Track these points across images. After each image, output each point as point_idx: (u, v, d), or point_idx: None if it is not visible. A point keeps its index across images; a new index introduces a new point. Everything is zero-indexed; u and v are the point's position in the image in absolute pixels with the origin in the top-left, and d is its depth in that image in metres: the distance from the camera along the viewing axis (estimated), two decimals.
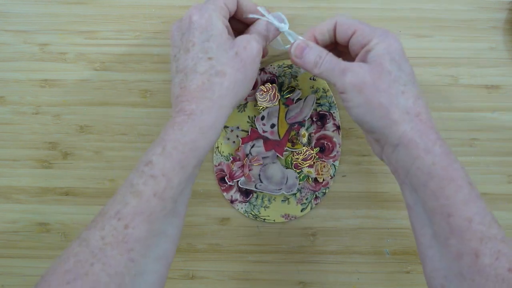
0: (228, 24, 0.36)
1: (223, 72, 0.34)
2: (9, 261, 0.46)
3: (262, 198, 0.45)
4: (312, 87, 0.45)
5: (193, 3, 0.46)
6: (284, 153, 0.44)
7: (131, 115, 0.46)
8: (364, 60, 0.35)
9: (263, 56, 0.40)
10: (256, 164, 0.44)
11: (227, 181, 0.44)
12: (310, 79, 0.44)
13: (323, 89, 0.45)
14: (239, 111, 0.45)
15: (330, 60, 0.35)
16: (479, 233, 0.30)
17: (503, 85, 0.46)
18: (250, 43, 0.35)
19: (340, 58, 0.36)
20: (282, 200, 0.45)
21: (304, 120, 0.44)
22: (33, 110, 0.46)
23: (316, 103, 0.44)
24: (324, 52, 0.36)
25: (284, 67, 0.44)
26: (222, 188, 0.45)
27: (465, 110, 0.46)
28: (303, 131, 0.44)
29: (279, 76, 0.44)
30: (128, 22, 0.46)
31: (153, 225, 0.30)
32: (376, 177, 0.46)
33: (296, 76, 0.44)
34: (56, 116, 0.46)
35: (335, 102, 0.45)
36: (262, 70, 0.44)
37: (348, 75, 0.34)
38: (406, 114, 0.33)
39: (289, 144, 0.44)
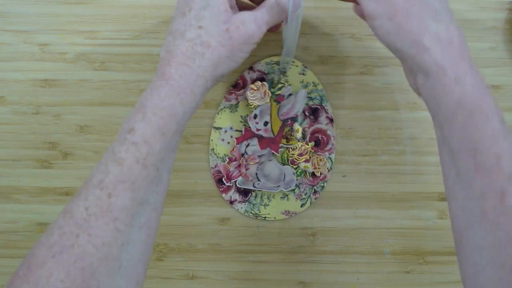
0: None
1: (208, 43, 0.33)
2: (9, 261, 0.46)
3: (261, 197, 0.45)
4: (302, 82, 0.45)
5: None
6: (280, 149, 0.44)
7: None
8: None
9: (274, 30, 0.40)
10: (253, 163, 0.44)
11: (224, 182, 0.44)
12: (299, 73, 0.45)
13: (313, 82, 0.45)
14: (231, 112, 0.45)
15: None
16: (507, 172, 0.28)
17: (503, 85, 0.46)
18: (245, 24, 0.34)
19: None
20: (281, 197, 0.45)
21: (297, 115, 0.44)
22: (33, 110, 0.46)
23: (307, 97, 0.44)
24: None
25: (272, 63, 0.45)
26: (220, 189, 0.45)
27: None
28: (296, 126, 0.44)
29: (268, 74, 0.45)
30: (128, 22, 0.46)
31: (136, 193, 0.30)
32: (376, 177, 0.46)
33: (285, 72, 0.45)
34: (56, 116, 0.46)
35: (326, 95, 0.45)
36: (250, 68, 0.45)
37: (380, 0, 0.32)
38: (437, 40, 0.31)
39: (283, 141, 0.44)
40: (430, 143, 0.46)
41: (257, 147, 0.44)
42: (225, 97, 0.45)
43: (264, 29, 0.35)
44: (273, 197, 0.45)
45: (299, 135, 0.44)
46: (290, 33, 0.39)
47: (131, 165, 0.30)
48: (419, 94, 0.35)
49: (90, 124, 0.46)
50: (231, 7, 0.35)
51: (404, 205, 0.46)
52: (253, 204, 0.45)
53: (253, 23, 0.35)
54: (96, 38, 0.46)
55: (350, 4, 0.46)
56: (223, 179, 0.44)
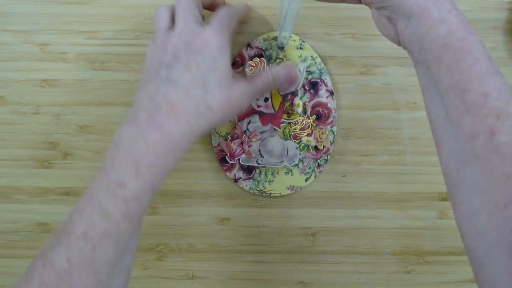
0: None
1: (211, 106, 0.34)
2: (9, 261, 0.46)
3: (265, 173, 0.45)
4: (301, 56, 0.45)
5: None
6: (281, 125, 0.44)
7: None
8: None
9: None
10: (255, 139, 0.44)
11: (228, 160, 0.44)
12: (297, 48, 0.45)
13: (311, 56, 0.45)
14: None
15: None
16: (496, 110, 0.27)
17: None
18: (243, 96, 0.36)
19: None
20: (285, 173, 0.45)
21: (297, 90, 0.44)
22: (33, 110, 0.46)
23: (306, 71, 0.44)
24: None
25: (270, 39, 0.45)
26: (224, 168, 0.45)
27: None
28: (297, 100, 0.44)
29: (266, 50, 0.45)
30: (128, 22, 0.46)
31: (120, 245, 0.30)
32: (376, 177, 0.46)
33: (283, 47, 0.45)
34: (56, 116, 0.46)
35: (325, 68, 0.45)
36: (248, 45, 0.45)
37: None
38: None
39: (285, 116, 0.44)
40: (430, 143, 0.46)
41: (259, 124, 0.44)
42: None
43: (253, 99, 0.38)
44: (277, 173, 0.45)
45: (300, 109, 0.44)
46: (288, 6, 0.39)
47: (118, 221, 0.30)
48: (397, 43, 0.34)
49: (90, 124, 0.46)
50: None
51: (404, 205, 0.46)
52: (258, 181, 0.45)
53: (247, 95, 0.36)
54: (96, 38, 0.46)
55: (350, 4, 0.46)
56: (226, 158, 0.44)
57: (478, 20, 0.46)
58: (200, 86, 0.33)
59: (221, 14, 0.37)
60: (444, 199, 0.46)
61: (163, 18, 0.37)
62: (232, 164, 0.45)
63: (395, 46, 0.46)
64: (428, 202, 0.46)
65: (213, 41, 0.34)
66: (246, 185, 0.45)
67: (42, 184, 0.46)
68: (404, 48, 0.34)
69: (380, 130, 0.46)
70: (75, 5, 0.46)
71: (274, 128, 0.44)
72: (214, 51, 0.34)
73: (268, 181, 0.45)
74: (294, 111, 0.44)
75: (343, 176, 0.46)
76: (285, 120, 0.44)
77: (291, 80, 0.41)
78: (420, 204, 0.46)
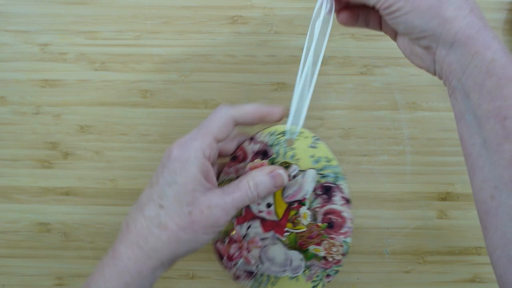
0: (209, 164, 0.33)
1: (165, 225, 0.31)
2: (9, 261, 0.46)
3: (268, 275, 0.40)
4: (313, 156, 0.38)
5: (193, 4, 0.46)
6: (286, 234, 0.39)
7: (131, 115, 0.46)
8: None
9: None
10: (255, 247, 0.39)
11: (225, 263, 0.39)
12: (309, 147, 0.38)
13: (326, 157, 0.38)
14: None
15: None
16: None
17: None
18: (211, 209, 0.32)
19: None
20: (289, 278, 0.39)
21: (305, 199, 0.38)
22: (33, 110, 0.46)
23: (319, 173, 0.38)
24: None
25: (278, 134, 0.38)
26: (223, 265, 0.40)
27: None
28: (303, 211, 0.38)
29: (271, 146, 0.38)
30: (128, 22, 0.46)
31: None
32: (376, 177, 0.46)
33: (293, 142, 0.38)
34: (56, 116, 0.46)
35: (342, 172, 0.38)
36: (251, 139, 0.38)
37: None
38: (459, 10, 0.30)
39: (289, 225, 0.38)
40: (430, 143, 0.46)
41: (260, 230, 0.38)
42: (224, 170, 0.39)
43: (232, 213, 0.33)
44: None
45: (306, 221, 0.38)
46: (300, 96, 0.37)
47: None
48: (432, 71, 0.34)
49: (90, 124, 0.46)
50: (207, 172, 0.33)
51: (404, 205, 0.46)
52: (259, 282, 0.40)
53: (220, 209, 0.32)
54: (96, 38, 0.46)
55: None
56: (223, 260, 0.39)
57: None
58: (155, 203, 0.31)
59: (210, 117, 0.34)
60: (444, 199, 0.46)
61: None
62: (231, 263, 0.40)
63: (395, 46, 0.46)
64: (428, 202, 0.46)
65: (173, 153, 0.32)
66: (247, 285, 0.40)
67: (42, 184, 0.46)
68: (440, 76, 0.33)
69: (380, 130, 0.46)
70: (75, 5, 0.46)
71: (277, 236, 0.39)
72: (173, 163, 0.32)
73: (271, 283, 0.40)
74: (300, 222, 0.38)
75: None
76: (290, 230, 0.38)
77: (278, 187, 0.36)
78: (420, 204, 0.46)
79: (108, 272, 0.31)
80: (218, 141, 0.33)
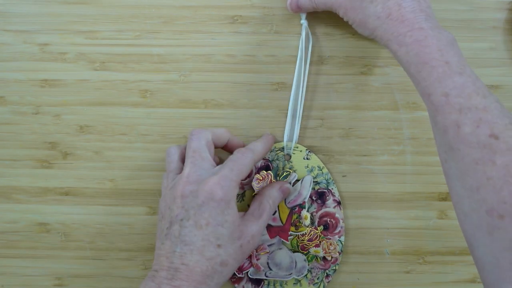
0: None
1: (226, 262, 0.35)
2: (9, 261, 0.46)
3: (274, 284, 0.44)
4: (307, 166, 0.45)
5: (193, 4, 0.46)
6: (289, 237, 0.44)
7: (131, 115, 0.46)
8: None
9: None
10: (263, 253, 0.43)
11: (236, 273, 0.44)
12: (304, 158, 0.45)
13: (318, 166, 0.45)
14: (238, 201, 0.44)
15: None
16: (457, 105, 0.32)
17: (503, 85, 0.46)
18: (254, 238, 0.37)
19: None
20: (294, 283, 0.44)
21: (304, 202, 0.44)
22: (33, 110, 0.46)
23: (313, 181, 0.44)
24: None
25: (277, 150, 0.45)
26: (232, 280, 0.44)
27: None
28: (304, 213, 0.44)
29: (272, 161, 0.44)
30: (128, 22, 0.46)
31: None
32: (376, 177, 0.46)
33: (290, 157, 0.45)
34: (56, 116, 0.46)
35: (332, 178, 0.45)
36: None
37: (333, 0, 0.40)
38: (377, 20, 0.37)
39: (292, 228, 0.44)
40: (430, 143, 0.46)
41: (267, 237, 0.44)
42: None
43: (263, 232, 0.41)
44: (285, 284, 0.44)
45: (307, 222, 0.44)
46: (292, 116, 0.44)
47: None
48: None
49: (90, 124, 0.46)
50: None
51: (404, 205, 0.46)
52: None
53: (259, 234, 0.38)
54: (96, 38, 0.46)
55: None
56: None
57: (478, 20, 0.46)
58: (213, 244, 0.34)
59: (233, 159, 0.38)
60: (444, 199, 0.46)
61: (173, 160, 0.39)
62: (240, 276, 0.44)
63: None
64: (428, 202, 0.46)
65: (217, 193, 0.35)
66: None
67: (42, 184, 0.46)
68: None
69: (380, 130, 0.46)
70: (75, 5, 0.46)
71: (282, 241, 0.44)
72: (220, 203, 0.35)
73: None
74: (302, 223, 0.44)
75: (343, 176, 0.46)
76: (293, 233, 0.44)
77: (286, 194, 0.43)
78: (420, 204, 0.46)
79: None
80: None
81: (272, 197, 0.41)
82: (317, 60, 0.46)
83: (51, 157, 0.46)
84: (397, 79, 0.46)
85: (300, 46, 0.45)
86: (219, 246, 0.34)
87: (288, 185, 0.43)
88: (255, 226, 0.38)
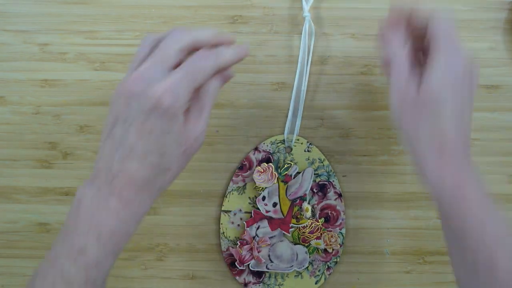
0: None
1: (169, 169, 0.33)
2: (9, 261, 0.46)
3: (275, 276, 0.45)
4: (308, 159, 0.45)
5: (193, 4, 0.46)
6: (290, 229, 0.44)
7: None
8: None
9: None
10: (264, 245, 0.44)
11: (237, 265, 0.44)
12: (305, 151, 0.45)
13: (319, 159, 0.45)
14: (239, 194, 0.45)
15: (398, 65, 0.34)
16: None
17: (503, 85, 0.46)
18: (198, 139, 0.34)
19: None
20: (295, 276, 0.45)
21: (305, 194, 0.44)
22: (33, 110, 0.46)
23: (314, 174, 0.44)
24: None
25: (277, 143, 0.45)
26: (233, 272, 0.45)
27: None
28: (305, 205, 0.44)
29: (273, 153, 0.45)
30: (128, 22, 0.46)
31: None
32: (376, 177, 0.46)
33: (291, 149, 0.45)
34: (56, 116, 0.46)
35: (333, 170, 0.45)
36: (255, 149, 0.45)
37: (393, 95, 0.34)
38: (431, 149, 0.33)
39: (293, 220, 0.44)
40: None
41: (268, 229, 0.44)
42: (232, 179, 0.45)
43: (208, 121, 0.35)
44: (287, 276, 0.45)
45: (308, 214, 0.44)
46: (293, 109, 0.44)
47: (80, 286, 0.30)
48: None
49: (90, 124, 0.46)
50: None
51: (404, 205, 0.46)
52: (268, 285, 0.45)
53: (202, 134, 0.34)
54: (96, 38, 0.46)
55: (350, 4, 0.46)
56: (236, 263, 0.44)
57: (478, 20, 0.46)
58: (154, 153, 0.32)
59: (191, 62, 0.33)
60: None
61: (142, 51, 0.34)
62: (241, 269, 0.44)
63: None
64: (428, 202, 0.46)
65: (165, 102, 0.31)
66: None
67: (42, 184, 0.46)
68: None
69: (380, 130, 0.46)
70: (75, 5, 0.46)
71: (284, 233, 0.44)
72: (167, 113, 0.31)
73: (278, 285, 0.45)
74: (303, 216, 0.44)
75: (343, 176, 0.46)
76: (294, 225, 0.44)
77: (227, 80, 0.37)
78: (420, 204, 0.46)
79: (122, 215, 0.31)
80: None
81: (210, 88, 0.34)
82: (317, 60, 0.46)
83: (51, 157, 0.46)
84: None
85: (302, 39, 0.44)
86: (161, 154, 0.32)
87: (230, 71, 0.37)
88: (198, 127, 0.34)
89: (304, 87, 0.45)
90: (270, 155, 0.45)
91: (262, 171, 0.44)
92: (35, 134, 0.46)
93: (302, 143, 0.45)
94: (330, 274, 0.45)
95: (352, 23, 0.46)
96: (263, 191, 0.44)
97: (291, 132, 0.45)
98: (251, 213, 0.44)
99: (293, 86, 0.45)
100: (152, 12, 0.46)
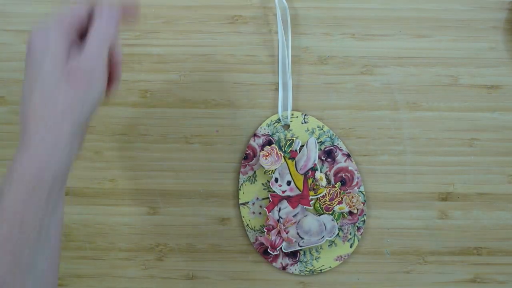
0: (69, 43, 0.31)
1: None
2: None
3: (310, 252, 0.45)
4: (308, 130, 0.45)
5: (193, 4, 0.46)
6: (311, 202, 0.44)
7: (131, 115, 0.46)
8: None
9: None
10: (290, 224, 0.44)
11: (270, 252, 0.44)
12: (302, 123, 0.45)
13: (318, 127, 0.45)
14: (251, 183, 0.45)
15: None
16: None
17: (503, 85, 0.46)
18: (93, 67, 0.31)
19: None
20: (328, 245, 0.45)
21: (315, 164, 0.44)
22: None
23: (318, 142, 0.44)
24: None
25: (274, 123, 0.45)
26: (269, 260, 0.45)
27: (465, 110, 0.46)
28: (318, 175, 0.44)
29: (273, 134, 0.45)
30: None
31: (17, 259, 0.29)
32: (376, 177, 0.46)
33: (289, 126, 0.45)
34: None
35: (335, 134, 0.45)
36: (254, 135, 0.45)
37: None
38: None
39: (311, 193, 0.44)
40: (430, 143, 0.46)
41: (289, 208, 0.44)
42: (240, 171, 0.45)
43: (105, 55, 0.32)
44: (321, 248, 0.45)
45: (323, 182, 0.44)
46: (283, 84, 0.44)
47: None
48: None
49: (90, 124, 0.46)
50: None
51: (404, 205, 0.46)
52: (305, 262, 0.45)
53: (96, 65, 0.31)
54: None
55: (350, 4, 0.46)
56: (268, 250, 0.44)
57: (478, 20, 0.46)
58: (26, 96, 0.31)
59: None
60: (444, 199, 0.46)
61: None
62: (275, 254, 0.44)
63: (395, 46, 0.46)
64: (428, 202, 0.46)
65: (32, 38, 0.30)
66: (296, 270, 0.45)
67: None
68: None
69: (380, 130, 0.46)
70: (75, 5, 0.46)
71: (305, 208, 0.44)
72: (36, 54, 0.30)
73: (315, 259, 0.45)
74: (319, 185, 0.44)
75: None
76: (313, 197, 0.44)
77: (131, 12, 0.34)
78: (420, 204, 0.46)
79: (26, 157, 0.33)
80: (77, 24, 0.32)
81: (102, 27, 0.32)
82: (317, 60, 0.46)
83: None
84: (397, 79, 0.46)
85: (277, 14, 0.44)
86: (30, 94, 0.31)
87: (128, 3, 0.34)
88: (81, 61, 0.31)
89: (288, 59, 0.44)
90: (270, 137, 0.45)
91: (267, 154, 0.43)
92: None
93: (297, 117, 0.45)
94: (361, 234, 0.45)
95: (352, 23, 0.46)
96: (273, 173, 0.44)
97: (285, 109, 0.45)
98: (268, 198, 0.44)
99: (278, 59, 0.45)
100: (152, 12, 0.46)
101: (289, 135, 0.45)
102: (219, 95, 0.46)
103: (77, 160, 0.46)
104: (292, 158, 0.44)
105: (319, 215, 0.44)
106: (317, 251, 0.45)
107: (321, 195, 0.44)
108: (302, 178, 0.44)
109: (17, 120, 0.45)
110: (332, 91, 0.46)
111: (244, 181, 0.45)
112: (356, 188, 0.45)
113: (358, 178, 0.45)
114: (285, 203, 0.44)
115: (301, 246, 0.44)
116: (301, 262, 0.45)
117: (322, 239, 0.44)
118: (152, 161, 0.46)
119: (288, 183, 0.44)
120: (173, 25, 0.46)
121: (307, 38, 0.46)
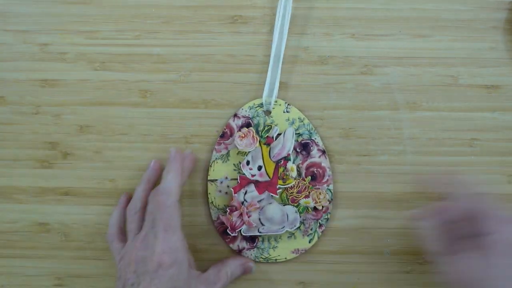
0: (190, 256, 0.41)
1: None
2: (9, 261, 0.46)
3: (268, 240, 0.45)
4: (288, 119, 0.45)
5: (193, 4, 0.46)
6: (278, 191, 0.44)
7: (131, 115, 0.46)
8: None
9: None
10: (253, 209, 0.43)
11: (229, 233, 0.44)
12: (284, 112, 0.45)
13: (299, 118, 0.45)
14: (223, 162, 0.45)
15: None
16: None
17: (503, 85, 0.46)
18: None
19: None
20: (288, 237, 0.45)
21: (289, 154, 0.44)
22: (33, 110, 0.46)
23: (296, 133, 0.44)
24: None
25: (256, 107, 0.45)
26: (226, 240, 0.45)
27: (465, 110, 0.46)
28: (290, 165, 0.44)
29: (253, 118, 0.45)
30: (128, 22, 0.46)
31: None
32: (376, 177, 0.46)
33: (270, 113, 0.45)
34: (56, 116, 0.46)
35: (314, 128, 0.45)
36: (234, 115, 0.45)
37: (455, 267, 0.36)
38: None
39: (280, 182, 0.44)
40: (430, 143, 0.46)
41: (256, 193, 0.44)
42: (214, 148, 0.45)
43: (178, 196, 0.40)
44: (280, 238, 0.45)
45: (294, 173, 0.44)
46: (272, 70, 0.44)
47: None
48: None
49: (90, 124, 0.46)
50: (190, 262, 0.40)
51: (404, 205, 0.46)
52: (262, 249, 0.45)
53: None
54: (96, 38, 0.46)
55: (350, 4, 0.46)
56: (227, 230, 0.44)
57: (478, 20, 0.46)
58: None
59: (158, 216, 0.39)
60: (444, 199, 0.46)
61: (112, 230, 0.42)
62: (234, 236, 0.44)
63: (395, 46, 0.46)
64: (428, 202, 0.46)
65: (166, 263, 0.36)
66: (251, 255, 0.45)
67: (42, 184, 0.46)
68: None
69: (380, 130, 0.46)
70: (75, 5, 0.46)
71: (271, 195, 0.44)
72: (169, 270, 0.36)
73: (272, 247, 0.45)
74: (289, 175, 0.44)
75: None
76: (281, 186, 0.44)
77: (247, 273, 0.43)
78: (420, 204, 0.46)
79: None
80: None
81: (232, 269, 0.42)
82: (317, 60, 0.46)
83: (51, 157, 0.46)
84: (397, 79, 0.46)
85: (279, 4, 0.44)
86: None
87: (252, 264, 0.44)
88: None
89: (283, 43, 0.44)
90: (250, 120, 0.45)
91: (243, 136, 0.43)
92: (35, 134, 0.46)
93: (280, 105, 0.45)
94: (322, 231, 0.45)
95: (352, 23, 0.46)
96: (246, 155, 0.44)
97: (270, 94, 0.45)
98: (237, 179, 0.44)
99: (272, 42, 0.45)
100: (152, 12, 0.46)
101: (268, 121, 0.45)
102: (219, 95, 0.46)
103: (77, 160, 0.46)
104: (268, 144, 0.44)
105: (284, 205, 0.44)
106: (275, 240, 0.45)
107: (289, 185, 0.44)
108: (273, 165, 0.44)
109: (18, 120, 0.46)
110: (332, 91, 0.46)
111: (216, 158, 0.45)
112: (325, 185, 0.44)
113: (329, 176, 0.44)
114: (252, 187, 0.44)
115: (260, 232, 0.44)
116: (258, 248, 0.45)
117: (283, 229, 0.44)
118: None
119: (259, 168, 0.44)
120: (173, 25, 0.46)
121: (307, 38, 0.46)
